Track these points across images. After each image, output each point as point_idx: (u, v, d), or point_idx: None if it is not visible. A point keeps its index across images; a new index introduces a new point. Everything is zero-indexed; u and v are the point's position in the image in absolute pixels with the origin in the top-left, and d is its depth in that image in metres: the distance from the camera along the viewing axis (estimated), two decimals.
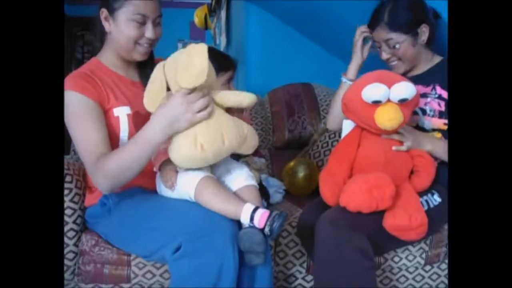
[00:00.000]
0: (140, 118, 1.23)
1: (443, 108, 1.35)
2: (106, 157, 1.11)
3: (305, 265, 1.41)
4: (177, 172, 1.14)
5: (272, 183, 1.75)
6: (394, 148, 1.24)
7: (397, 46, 1.36)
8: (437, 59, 1.44)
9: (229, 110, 1.13)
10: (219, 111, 1.09)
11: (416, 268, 1.43)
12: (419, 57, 1.42)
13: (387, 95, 1.16)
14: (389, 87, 1.16)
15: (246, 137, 1.10)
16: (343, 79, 1.51)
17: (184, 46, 1.09)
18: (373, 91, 1.16)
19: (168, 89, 1.09)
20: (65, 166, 1.32)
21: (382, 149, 1.23)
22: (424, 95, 1.37)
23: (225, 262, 1.04)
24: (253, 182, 1.18)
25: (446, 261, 1.43)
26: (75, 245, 1.29)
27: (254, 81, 2.58)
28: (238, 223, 1.10)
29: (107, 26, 1.24)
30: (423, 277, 1.44)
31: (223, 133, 1.06)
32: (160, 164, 1.16)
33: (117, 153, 1.11)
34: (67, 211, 1.29)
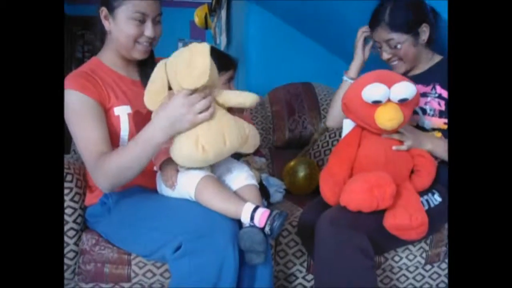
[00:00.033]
0: (140, 117, 1.23)
1: (443, 108, 1.35)
2: (107, 156, 1.11)
3: (305, 264, 1.41)
4: (177, 171, 1.15)
5: (273, 183, 1.75)
6: (394, 147, 1.23)
7: (398, 46, 1.36)
8: (437, 58, 1.44)
9: (230, 109, 1.13)
10: (221, 112, 1.08)
11: (416, 268, 1.43)
12: (420, 57, 1.42)
13: (387, 95, 1.16)
14: (389, 87, 1.16)
15: (247, 137, 1.10)
16: (345, 78, 1.51)
17: (184, 45, 1.08)
18: (373, 91, 1.16)
19: (170, 88, 1.09)
20: (66, 165, 1.32)
21: (382, 149, 1.23)
22: (424, 95, 1.37)
23: (226, 261, 1.04)
24: (254, 182, 1.18)
25: (446, 260, 1.43)
26: (76, 244, 1.29)
27: (254, 80, 2.57)
28: (238, 223, 1.10)
29: (107, 24, 1.24)
30: (423, 277, 1.44)
31: (224, 134, 1.06)
32: (160, 163, 1.16)
33: (118, 152, 1.11)
34: (68, 210, 1.29)
